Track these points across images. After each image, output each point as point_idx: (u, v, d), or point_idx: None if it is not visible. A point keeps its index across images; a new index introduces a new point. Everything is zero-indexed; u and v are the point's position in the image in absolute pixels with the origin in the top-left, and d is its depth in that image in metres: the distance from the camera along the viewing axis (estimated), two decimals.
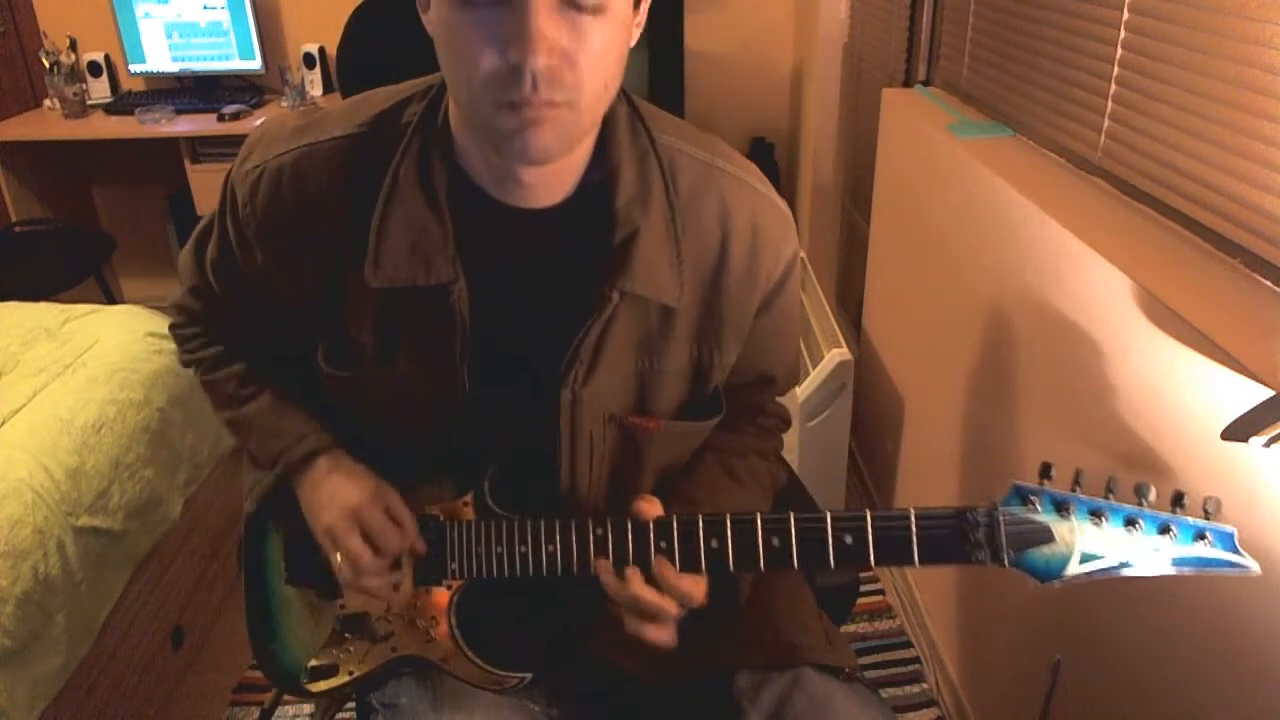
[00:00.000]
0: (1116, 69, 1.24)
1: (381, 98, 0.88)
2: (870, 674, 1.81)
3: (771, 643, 0.96)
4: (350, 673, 0.98)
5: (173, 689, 1.70)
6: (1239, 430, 0.80)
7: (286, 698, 1.68)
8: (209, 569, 1.87)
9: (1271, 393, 0.81)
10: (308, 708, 1.75)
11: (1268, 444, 0.80)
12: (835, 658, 0.96)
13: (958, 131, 1.61)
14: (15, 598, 1.32)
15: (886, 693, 1.79)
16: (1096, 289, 1.13)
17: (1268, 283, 0.98)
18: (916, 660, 1.88)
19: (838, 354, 1.96)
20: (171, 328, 1.07)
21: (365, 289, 0.84)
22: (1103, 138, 1.28)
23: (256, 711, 1.80)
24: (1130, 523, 0.75)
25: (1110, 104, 1.26)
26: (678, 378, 0.92)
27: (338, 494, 0.94)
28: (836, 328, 2.08)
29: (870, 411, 2.21)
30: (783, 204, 0.94)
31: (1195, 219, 1.10)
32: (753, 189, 0.91)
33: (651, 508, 0.87)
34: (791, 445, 2.00)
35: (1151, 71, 1.16)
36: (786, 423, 1.09)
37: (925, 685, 1.82)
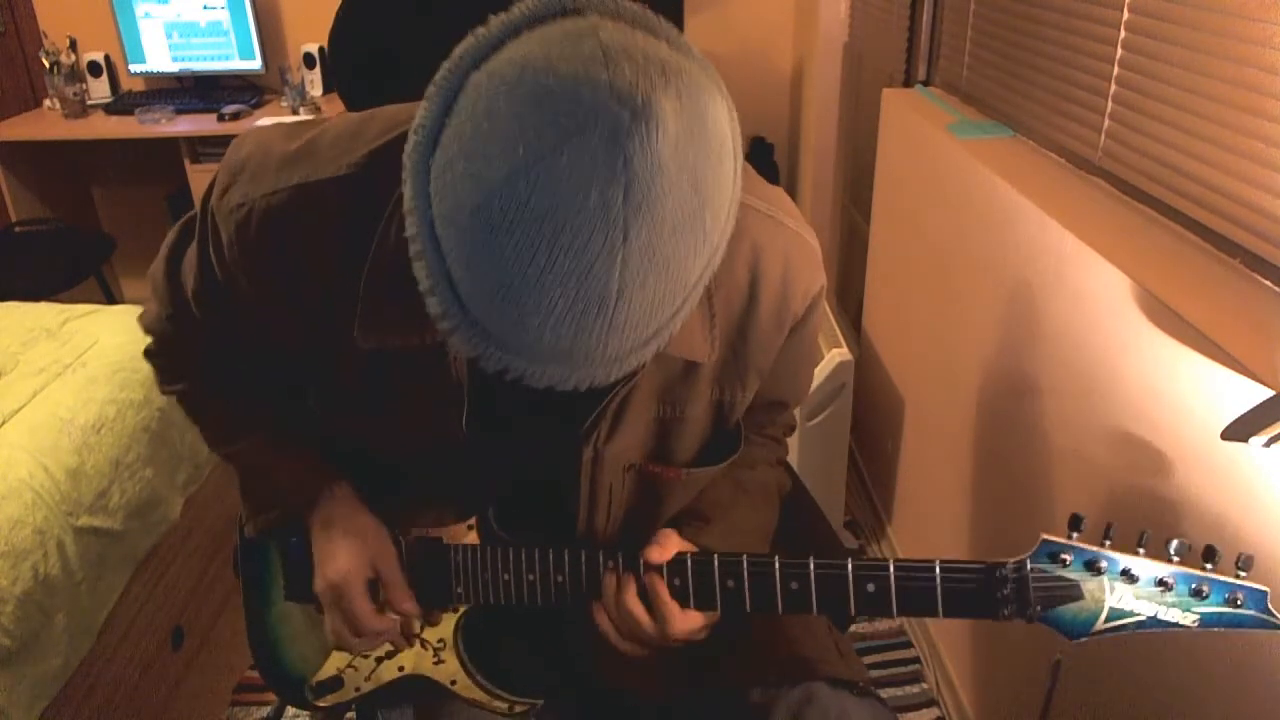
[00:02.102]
0: (1116, 69, 1.24)
1: (378, 127, 0.80)
2: (870, 674, 1.80)
3: (783, 657, 0.95)
4: (356, 689, 0.97)
5: (173, 689, 1.70)
6: (1239, 430, 0.80)
7: None
8: (209, 569, 1.87)
9: (1271, 393, 0.81)
10: None
11: (1268, 444, 0.80)
12: (848, 671, 0.95)
13: (958, 131, 1.61)
14: (15, 598, 1.32)
15: (886, 692, 1.79)
16: (1096, 289, 1.13)
17: (1268, 283, 0.98)
18: (916, 660, 1.88)
19: (838, 354, 1.96)
20: (148, 354, 0.99)
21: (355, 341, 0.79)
22: (1103, 138, 1.28)
23: (256, 711, 1.80)
24: (1162, 583, 0.74)
25: (1110, 104, 1.26)
26: (699, 421, 0.89)
27: (335, 555, 0.90)
28: (836, 328, 2.07)
29: (870, 411, 2.20)
30: (812, 238, 0.89)
31: (1195, 219, 1.10)
32: (784, 227, 0.86)
33: (664, 553, 0.86)
34: (791, 445, 1.99)
35: (1151, 71, 1.16)
36: (792, 429, 1.09)
37: (925, 685, 1.82)
